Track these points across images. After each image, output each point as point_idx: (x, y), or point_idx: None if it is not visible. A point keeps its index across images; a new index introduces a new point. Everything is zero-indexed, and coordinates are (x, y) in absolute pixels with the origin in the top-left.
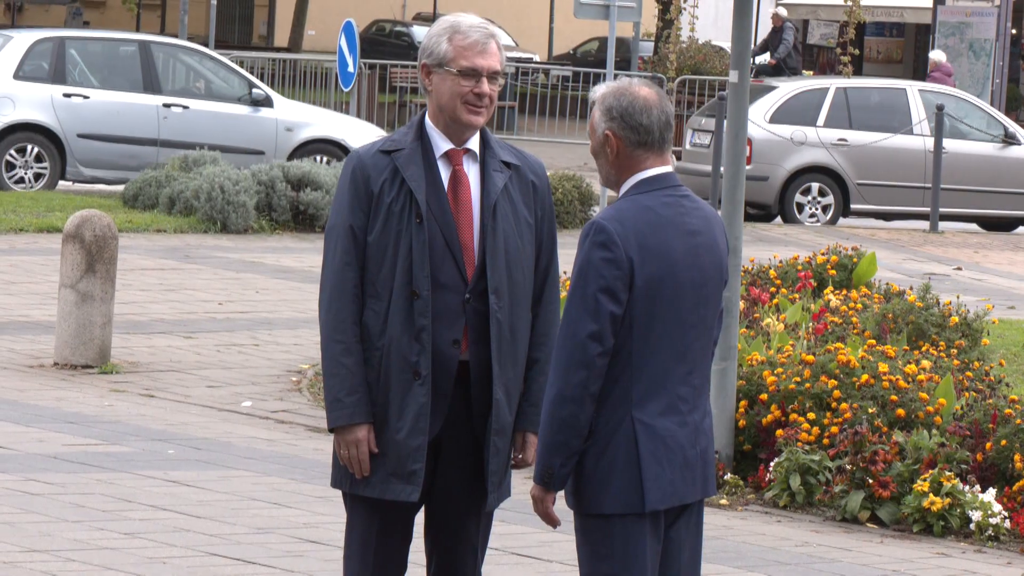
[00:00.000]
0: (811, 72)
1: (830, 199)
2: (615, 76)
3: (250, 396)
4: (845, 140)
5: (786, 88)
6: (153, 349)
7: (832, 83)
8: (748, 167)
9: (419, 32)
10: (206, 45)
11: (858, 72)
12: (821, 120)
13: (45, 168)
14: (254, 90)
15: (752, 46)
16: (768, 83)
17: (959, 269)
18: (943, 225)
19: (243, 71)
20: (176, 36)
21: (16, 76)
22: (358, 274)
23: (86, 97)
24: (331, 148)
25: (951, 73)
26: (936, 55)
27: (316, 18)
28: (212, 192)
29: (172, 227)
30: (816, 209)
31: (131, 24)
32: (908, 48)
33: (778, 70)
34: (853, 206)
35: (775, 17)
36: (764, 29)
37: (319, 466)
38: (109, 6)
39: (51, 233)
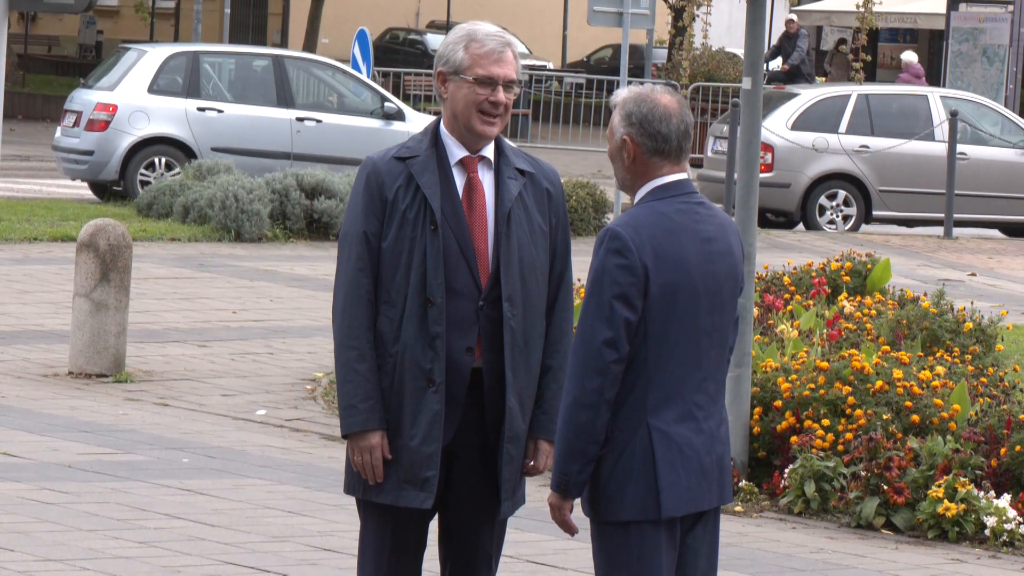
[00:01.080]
0: (824, 79)
1: (852, 206)
2: (630, 83)
3: (264, 404)
4: (867, 147)
5: (808, 95)
6: (167, 358)
7: (854, 90)
8: (770, 174)
9: (432, 40)
10: None
11: (871, 78)
12: (843, 127)
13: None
14: (386, 104)
15: (765, 52)
16: (790, 90)
17: (973, 275)
18: (958, 231)
19: (376, 85)
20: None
21: (150, 90)
22: (372, 280)
23: (220, 111)
24: None
25: (920, 75)
26: (907, 56)
27: (330, 26)
28: (226, 201)
29: (186, 236)
30: (838, 216)
31: (144, 33)
32: (922, 54)
33: (791, 76)
34: (875, 212)
35: (790, 23)
36: (777, 36)
37: (333, 474)
38: (123, 15)
39: (65, 242)
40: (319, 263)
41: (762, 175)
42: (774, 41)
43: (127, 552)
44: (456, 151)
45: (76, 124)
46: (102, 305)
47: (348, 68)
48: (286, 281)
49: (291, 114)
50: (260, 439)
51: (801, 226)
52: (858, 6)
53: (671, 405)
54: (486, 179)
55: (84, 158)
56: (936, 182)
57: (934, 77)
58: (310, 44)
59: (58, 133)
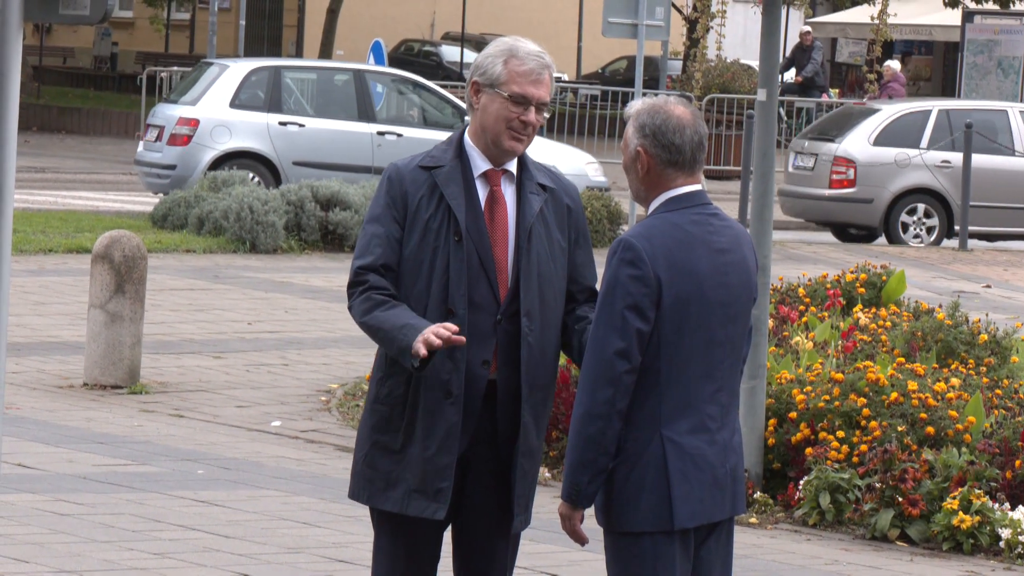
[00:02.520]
0: (838, 90)
1: (935, 220)
2: (644, 95)
3: (279, 416)
4: (948, 162)
5: (889, 111)
6: (182, 369)
7: (934, 105)
8: (852, 189)
9: (447, 52)
10: None
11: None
12: (924, 142)
13: None
14: (466, 117)
15: (779, 63)
16: (870, 106)
17: (988, 287)
18: (972, 243)
19: (456, 99)
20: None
21: (232, 105)
22: (385, 252)
23: (301, 125)
24: None
25: (904, 83)
26: (894, 64)
27: (345, 38)
28: (241, 212)
29: (201, 247)
30: (921, 230)
31: (159, 45)
32: (937, 66)
33: (805, 88)
34: (958, 227)
35: (805, 35)
36: (791, 47)
37: (348, 486)
38: (138, 27)
39: (80, 254)
40: (334, 274)
41: (845, 190)
42: (787, 53)
43: (142, 563)
44: (480, 163)
45: (158, 139)
46: (117, 316)
47: (428, 82)
48: (301, 292)
49: (372, 128)
50: (275, 450)
51: (884, 240)
52: (873, 18)
53: (684, 416)
54: (508, 193)
55: (166, 172)
56: (1018, 196)
57: (949, 89)
58: (325, 56)
59: (140, 147)
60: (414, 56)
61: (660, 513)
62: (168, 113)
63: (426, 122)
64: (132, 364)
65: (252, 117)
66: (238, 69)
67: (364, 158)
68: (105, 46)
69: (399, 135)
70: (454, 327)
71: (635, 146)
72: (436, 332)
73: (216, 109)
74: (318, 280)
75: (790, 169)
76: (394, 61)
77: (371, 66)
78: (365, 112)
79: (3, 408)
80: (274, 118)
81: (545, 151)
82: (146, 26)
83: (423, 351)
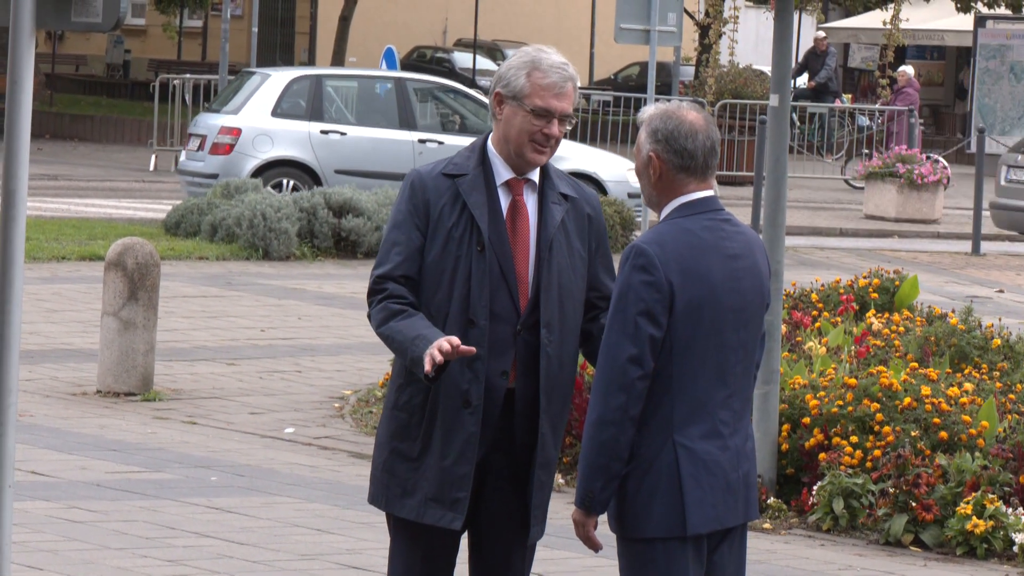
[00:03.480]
0: (851, 96)
1: None
2: (657, 100)
3: (293, 423)
4: None
5: None
6: (196, 376)
7: None
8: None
9: (460, 58)
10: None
11: None
12: None
13: None
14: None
15: (792, 69)
16: None
17: (1001, 292)
18: (986, 247)
19: None
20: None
21: (274, 114)
22: (405, 261)
23: (343, 134)
24: (583, 182)
25: (919, 89)
26: (909, 69)
27: (357, 44)
28: (254, 219)
29: (214, 254)
30: None
31: (172, 52)
32: (949, 71)
33: (818, 94)
34: None
35: (819, 41)
36: (803, 53)
37: (362, 492)
38: (150, 34)
39: (93, 261)
40: (347, 281)
41: None
42: (800, 58)
43: (156, 571)
44: (503, 172)
45: (200, 148)
46: (130, 324)
47: (470, 90)
48: (314, 299)
49: (413, 136)
50: (288, 457)
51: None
52: (885, 23)
53: (697, 422)
54: (530, 202)
55: (209, 181)
56: None
57: (961, 94)
58: (338, 63)
59: (183, 157)
60: (426, 63)
61: (673, 519)
62: (210, 122)
63: (466, 129)
64: (145, 371)
65: (294, 126)
66: (280, 78)
67: (406, 166)
68: (118, 54)
69: (440, 142)
70: (456, 341)
71: (647, 151)
72: (439, 346)
73: (258, 118)
74: (331, 287)
75: (1002, 182)
76: (406, 68)
77: (412, 74)
78: (406, 120)
79: (16, 415)
80: (316, 126)
81: (587, 157)
82: (159, 33)
83: (428, 367)
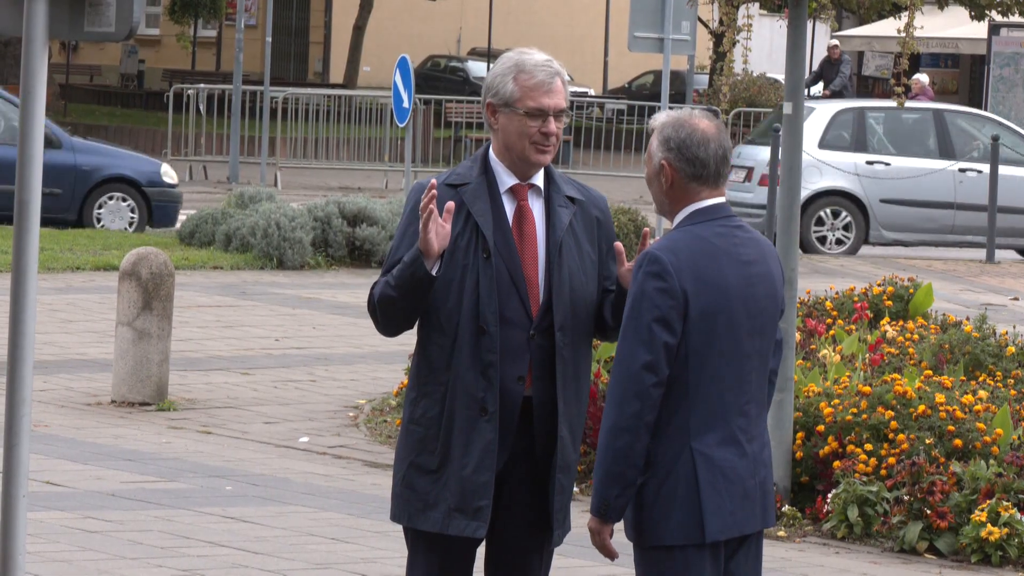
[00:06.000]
0: None
1: None
2: (671, 108)
3: (307, 432)
4: None
5: None
6: (210, 386)
7: None
8: None
9: (474, 67)
10: (260, 83)
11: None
12: None
13: (849, 235)
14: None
15: (806, 77)
16: None
17: (1016, 299)
18: (1000, 255)
19: None
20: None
21: (820, 145)
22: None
23: (887, 164)
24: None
25: (933, 97)
26: (923, 77)
27: (371, 54)
28: (268, 229)
29: (228, 264)
30: None
31: (186, 62)
32: (963, 79)
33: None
34: None
35: (833, 49)
36: (818, 61)
37: (377, 501)
38: (164, 44)
39: (108, 271)
40: (361, 290)
41: None
42: (814, 67)
43: None
44: (506, 179)
45: (747, 179)
46: (145, 333)
47: (1003, 120)
48: (328, 309)
49: (953, 165)
50: (303, 466)
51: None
52: (899, 31)
53: (714, 428)
54: (536, 207)
55: (758, 211)
56: None
57: (975, 102)
58: (351, 72)
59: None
60: (440, 72)
61: (691, 526)
62: (758, 157)
63: (1004, 159)
64: (160, 381)
65: (840, 157)
66: (824, 111)
67: (946, 195)
68: (132, 64)
69: (979, 171)
70: (434, 192)
71: (659, 159)
72: (423, 210)
73: (806, 150)
74: (345, 296)
75: None
76: (420, 77)
77: (949, 105)
78: (946, 150)
79: (31, 426)
80: (861, 157)
81: None
82: (172, 43)
83: (434, 247)
